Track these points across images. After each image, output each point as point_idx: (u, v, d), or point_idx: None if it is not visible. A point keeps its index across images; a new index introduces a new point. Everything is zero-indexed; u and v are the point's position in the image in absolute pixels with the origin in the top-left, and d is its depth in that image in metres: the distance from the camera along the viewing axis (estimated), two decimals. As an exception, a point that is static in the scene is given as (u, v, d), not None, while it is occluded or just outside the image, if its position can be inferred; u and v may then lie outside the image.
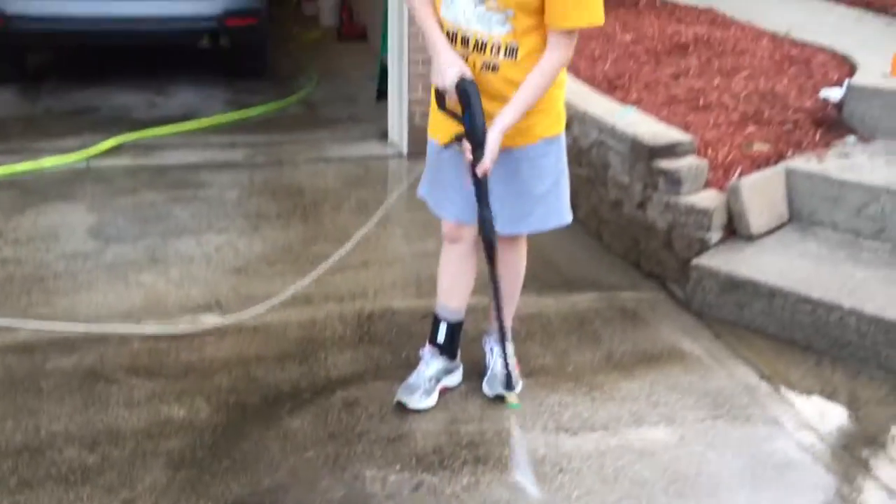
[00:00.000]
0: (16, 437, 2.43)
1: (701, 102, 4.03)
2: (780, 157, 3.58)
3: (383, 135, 5.05)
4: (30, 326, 2.97)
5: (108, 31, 5.53)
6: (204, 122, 5.28)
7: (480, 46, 2.26)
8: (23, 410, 2.54)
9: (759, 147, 3.63)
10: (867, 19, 5.47)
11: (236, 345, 2.93)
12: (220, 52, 6.10)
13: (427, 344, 2.68)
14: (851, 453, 2.47)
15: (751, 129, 3.78)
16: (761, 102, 3.99)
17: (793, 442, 2.51)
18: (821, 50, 4.65)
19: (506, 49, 2.25)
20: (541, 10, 2.21)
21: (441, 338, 2.64)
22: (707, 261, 3.25)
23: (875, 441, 2.53)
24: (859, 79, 4.00)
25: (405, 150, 4.83)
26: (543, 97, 2.29)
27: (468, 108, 2.24)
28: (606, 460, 2.40)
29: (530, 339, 3.01)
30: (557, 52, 2.23)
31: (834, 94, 3.97)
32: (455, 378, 2.71)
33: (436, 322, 2.66)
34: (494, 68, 2.27)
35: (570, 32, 2.23)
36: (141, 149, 4.85)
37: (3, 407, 2.56)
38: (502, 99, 2.27)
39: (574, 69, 4.55)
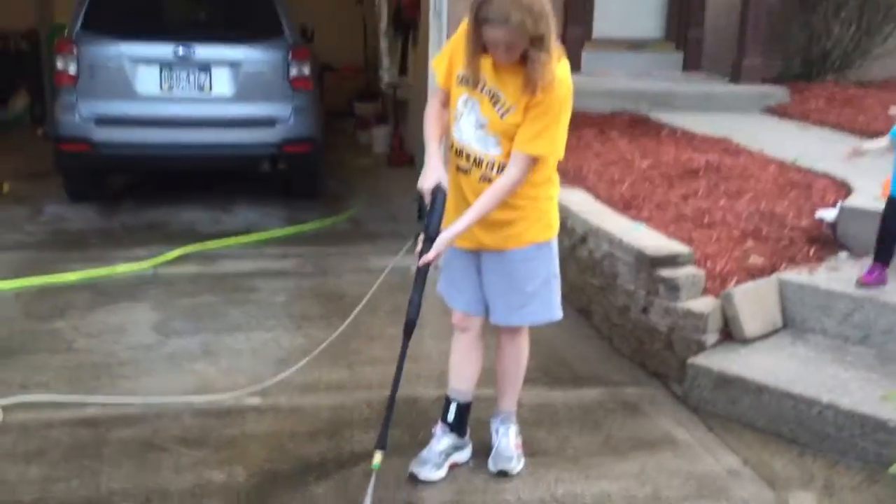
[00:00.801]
0: (80, 492, 2.83)
1: (706, 220, 4.41)
2: (773, 269, 3.92)
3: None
4: (97, 401, 3.40)
5: (181, 156, 6.22)
6: (261, 235, 5.85)
7: (479, 162, 2.72)
8: (86, 471, 2.95)
9: (755, 260, 3.98)
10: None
11: (274, 422, 3.31)
12: (279, 174, 6.74)
13: (439, 422, 3.02)
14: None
15: (749, 244, 4.14)
16: (761, 221, 4.36)
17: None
18: (823, 176, 5.03)
19: (498, 167, 2.70)
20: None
21: (451, 416, 2.99)
22: (702, 360, 3.56)
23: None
24: (852, 201, 4.35)
25: (441, 263, 5.26)
26: (534, 207, 2.72)
27: (431, 209, 2.68)
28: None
29: (536, 426, 3.32)
30: (514, 170, 2.64)
31: (829, 214, 4.32)
32: (464, 454, 3.03)
33: (447, 402, 3.02)
34: (489, 180, 2.71)
35: (531, 157, 2.64)
36: (203, 259, 5.39)
37: (71, 468, 2.96)
38: None
39: (594, 191, 5.01)
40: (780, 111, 7.36)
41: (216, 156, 6.27)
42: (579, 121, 6.78)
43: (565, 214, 4.74)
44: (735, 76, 7.99)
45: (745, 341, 3.66)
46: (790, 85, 8.03)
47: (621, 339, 4.09)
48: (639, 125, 6.69)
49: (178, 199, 6.77)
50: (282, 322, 4.39)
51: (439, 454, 2.96)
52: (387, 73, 8.94)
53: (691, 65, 8.87)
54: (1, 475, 2.90)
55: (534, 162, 2.67)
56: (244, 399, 3.46)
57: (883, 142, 3.80)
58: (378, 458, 2.71)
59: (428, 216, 2.69)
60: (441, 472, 2.94)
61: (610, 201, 4.82)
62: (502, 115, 2.66)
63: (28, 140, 9.15)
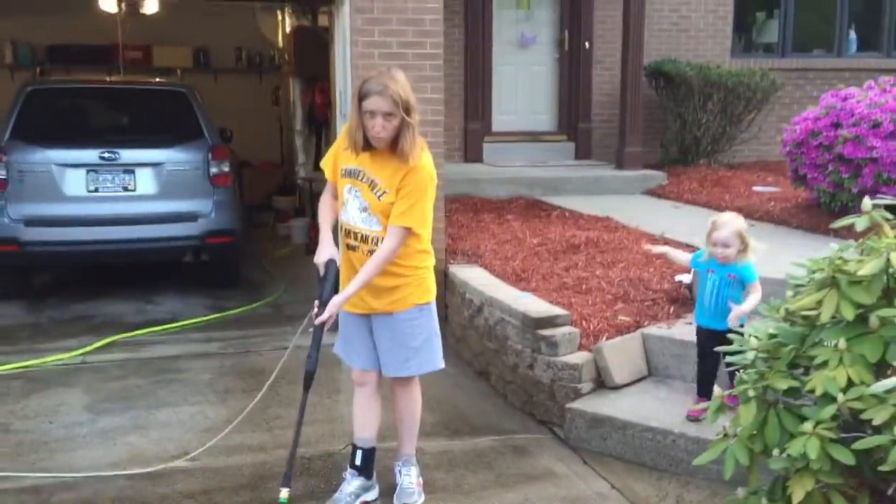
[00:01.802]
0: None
1: (583, 287, 5.05)
2: (638, 325, 4.55)
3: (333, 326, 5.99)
4: (35, 475, 3.73)
5: (107, 251, 6.59)
6: (184, 323, 6.23)
7: (365, 239, 3.28)
8: (32, 530, 3.27)
9: (623, 318, 4.60)
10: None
11: (202, 481, 3.70)
12: (201, 265, 7.17)
13: (348, 467, 3.48)
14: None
15: (619, 305, 4.78)
16: (629, 286, 5.02)
17: (628, 530, 3.28)
18: (687, 246, 5.74)
19: (381, 241, 3.24)
20: None
21: (358, 461, 3.45)
22: (579, 405, 4.12)
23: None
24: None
25: (338, 327, 5.74)
26: (414, 275, 3.29)
27: (324, 279, 3.24)
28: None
29: (436, 469, 3.80)
30: (390, 241, 3.21)
31: (686, 278, 5.01)
32: (372, 494, 3.49)
33: (354, 450, 3.48)
34: (373, 253, 3.25)
35: (403, 229, 3.21)
36: (131, 345, 5.74)
37: (16, 529, 3.28)
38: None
39: (490, 267, 5.62)
40: (658, 192, 8.22)
41: (142, 250, 6.66)
42: (479, 206, 7.53)
43: (464, 288, 5.35)
44: (619, 163, 8.87)
45: (616, 388, 4.24)
46: (668, 169, 8.96)
47: (514, 393, 4.63)
48: (532, 208, 7.41)
49: (102, 292, 7.09)
50: (207, 397, 4.78)
51: (349, 494, 3.41)
52: (302, 169, 9.55)
53: (582, 153, 9.77)
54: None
55: (406, 232, 3.23)
56: (173, 463, 3.84)
57: (683, 259, 4.21)
58: (284, 493, 3.15)
59: (321, 285, 3.23)
60: None
61: (503, 275, 5.43)
62: (379, 198, 3.23)
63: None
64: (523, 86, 9.78)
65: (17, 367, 5.23)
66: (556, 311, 4.53)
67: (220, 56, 11.98)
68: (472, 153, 9.40)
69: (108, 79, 8.21)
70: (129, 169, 6.59)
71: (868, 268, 2.23)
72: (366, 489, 3.47)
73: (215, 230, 6.71)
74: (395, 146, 3.18)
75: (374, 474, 3.52)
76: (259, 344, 5.73)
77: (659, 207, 7.55)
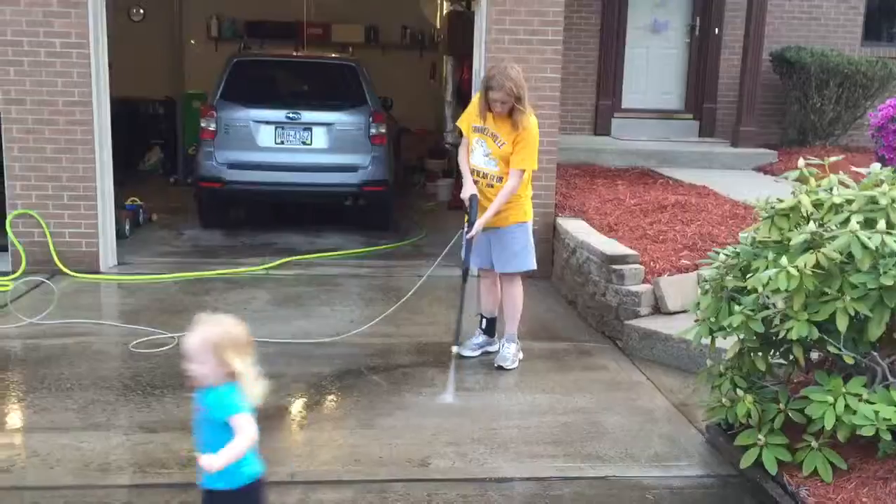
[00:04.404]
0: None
1: (660, 238, 6.12)
2: (696, 268, 5.59)
3: (461, 265, 7.34)
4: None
5: (287, 192, 8.27)
6: (344, 252, 7.79)
7: (485, 175, 4.67)
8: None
9: (684, 262, 5.66)
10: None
11: (348, 349, 5.15)
12: (359, 209, 8.73)
13: (477, 328, 4.99)
14: (682, 408, 4.37)
15: (684, 252, 5.83)
16: (698, 239, 6.04)
17: (650, 401, 4.44)
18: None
19: (497, 178, 4.62)
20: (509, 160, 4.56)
21: (483, 325, 4.98)
22: (636, 322, 5.26)
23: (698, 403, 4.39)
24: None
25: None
26: (514, 201, 4.63)
27: (470, 208, 4.61)
28: (542, 405, 4.41)
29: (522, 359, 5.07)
30: (512, 180, 4.59)
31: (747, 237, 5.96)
32: (493, 347, 5.00)
33: (481, 318, 5.00)
34: (493, 187, 4.64)
35: (519, 171, 4.56)
36: (302, 265, 7.34)
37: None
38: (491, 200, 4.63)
39: (590, 220, 6.77)
40: (766, 169, 9.00)
41: (314, 192, 8.29)
42: (596, 172, 8.66)
43: (565, 235, 6.55)
44: (734, 140, 9.67)
45: (668, 313, 5.34)
46: (784, 149, 9.66)
47: (591, 316, 5.81)
48: (642, 177, 8.44)
49: (282, 227, 8.80)
50: (356, 302, 6.26)
51: (476, 344, 4.98)
52: (450, 135, 10.93)
53: (705, 132, 10.59)
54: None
55: (522, 174, 4.62)
56: (326, 338, 5.32)
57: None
58: (455, 349, 4.68)
59: (469, 212, 4.65)
60: (474, 353, 4.98)
61: (599, 227, 6.57)
62: (500, 147, 4.61)
63: (162, 187, 11.42)
64: (654, 67, 10.68)
65: (220, 274, 6.93)
66: (628, 251, 5.66)
67: (388, 33, 13.57)
68: (600, 127, 10.45)
69: (294, 53, 9.88)
70: (307, 127, 8.20)
71: (785, 204, 3.29)
72: (488, 343, 5.02)
73: (371, 180, 8.22)
74: (510, 114, 4.56)
75: (496, 335, 5.01)
76: (399, 271, 7.17)
77: (760, 181, 8.36)
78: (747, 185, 8.04)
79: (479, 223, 4.61)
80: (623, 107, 10.68)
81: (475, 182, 4.72)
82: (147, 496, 3.35)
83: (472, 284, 4.98)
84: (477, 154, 4.71)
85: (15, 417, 4.13)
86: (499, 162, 4.64)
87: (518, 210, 4.76)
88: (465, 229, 4.71)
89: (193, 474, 3.45)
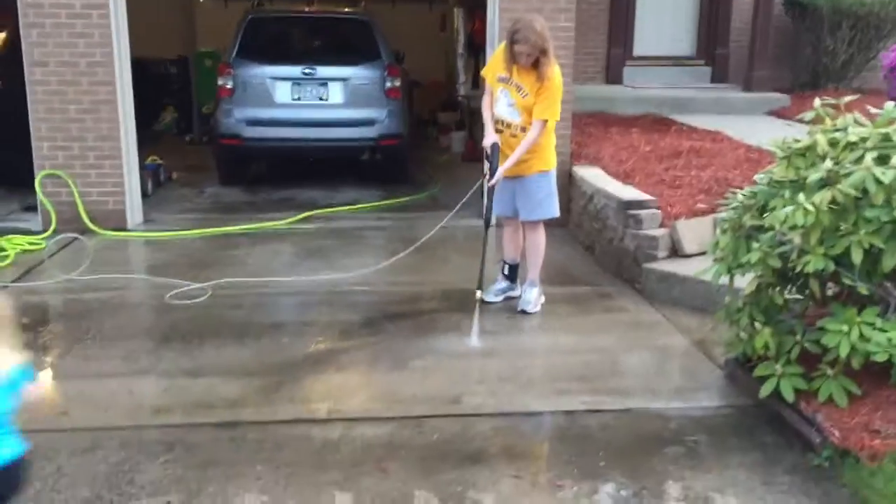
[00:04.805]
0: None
1: (676, 183, 6.23)
2: (713, 211, 5.71)
3: (479, 215, 7.48)
4: (269, 278, 5.50)
5: (305, 147, 8.41)
6: (363, 205, 7.93)
7: (508, 125, 4.78)
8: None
9: (701, 206, 5.78)
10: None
11: (376, 296, 5.33)
12: (375, 162, 8.85)
13: (500, 274, 5.15)
14: (700, 346, 4.54)
15: (700, 196, 5.94)
16: (714, 183, 6.15)
17: (669, 339, 4.61)
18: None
19: (520, 128, 4.73)
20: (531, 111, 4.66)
21: (506, 271, 5.14)
22: (654, 265, 5.40)
23: (716, 340, 4.55)
24: (781, 168, 6.09)
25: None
26: (537, 150, 4.74)
27: (492, 155, 4.73)
28: (565, 345, 4.59)
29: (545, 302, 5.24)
30: (534, 130, 4.69)
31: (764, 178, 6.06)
32: (515, 292, 5.16)
33: (503, 264, 5.15)
34: (515, 136, 4.75)
35: (542, 121, 4.67)
36: (323, 219, 7.50)
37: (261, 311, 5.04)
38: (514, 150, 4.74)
39: (606, 167, 6.88)
40: (779, 113, 9.05)
41: (331, 147, 8.43)
42: (609, 121, 8.73)
43: (581, 183, 6.67)
44: (746, 85, 9.70)
45: (685, 256, 5.48)
46: (797, 93, 9.68)
47: (609, 261, 5.96)
48: (656, 124, 8.50)
49: (301, 182, 8.94)
50: (378, 252, 6.41)
51: (497, 290, 5.12)
52: (462, 87, 10.99)
53: (718, 77, 10.61)
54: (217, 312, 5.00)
55: (545, 124, 4.72)
56: (353, 287, 5.50)
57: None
58: (478, 294, 4.85)
59: (491, 160, 4.77)
60: (497, 298, 5.13)
61: (615, 174, 6.68)
62: (524, 97, 4.71)
63: (178, 146, 11.55)
64: (665, 13, 10.67)
65: (243, 229, 7.09)
66: (645, 196, 5.79)
67: (397, -14, 13.55)
68: (612, 75, 10.49)
69: (307, 9, 9.92)
70: (323, 82, 8.29)
71: (802, 143, 3.41)
72: (511, 289, 5.20)
73: (387, 134, 8.33)
74: (535, 66, 4.66)
75: (518, 281, 5.20)
76: (417, 222, 7.30)
77: (772, 126, 8.42)
78: (761, 129, 8.10)
79: (500, 171, 4.74)
80: (634, 54, 10.70)
81: (498, 132, 4.83)
82: (198, 433, 3.54)
83: (493, 232, 5.13)
84: (501, 104, 4.80)
85: (65, 366, 4.32)
86: (522, 112, 4.75)
87: (541, 159, 4.88)
88: (487, 177, 4.85)
89: (239, 413, 3.71)
